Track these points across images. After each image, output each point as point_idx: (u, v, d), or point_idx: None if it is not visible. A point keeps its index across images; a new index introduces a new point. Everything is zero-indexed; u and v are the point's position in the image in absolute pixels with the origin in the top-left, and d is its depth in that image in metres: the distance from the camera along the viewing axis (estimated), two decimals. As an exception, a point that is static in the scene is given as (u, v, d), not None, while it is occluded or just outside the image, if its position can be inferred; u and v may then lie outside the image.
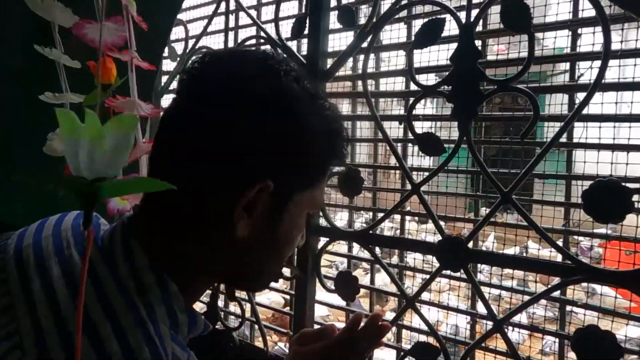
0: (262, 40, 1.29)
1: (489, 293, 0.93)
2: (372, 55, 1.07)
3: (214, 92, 0.52)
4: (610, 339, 0.74)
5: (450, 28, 0.92)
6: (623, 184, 0.74)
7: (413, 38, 0.97)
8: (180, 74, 0.59)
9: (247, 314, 1.31)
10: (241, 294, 1.33)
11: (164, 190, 0.50)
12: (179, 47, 1.51)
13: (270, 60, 0.54)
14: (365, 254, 1.08)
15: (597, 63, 0.77)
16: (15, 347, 0.45)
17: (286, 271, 1.19)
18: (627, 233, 0.79)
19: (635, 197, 0.73)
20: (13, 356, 0.45)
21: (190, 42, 1.48)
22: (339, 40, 1.14)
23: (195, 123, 0.52)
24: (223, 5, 1.40)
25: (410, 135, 0.99)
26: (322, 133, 0.55)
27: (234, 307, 1.42)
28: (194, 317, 0.54)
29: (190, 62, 0.57)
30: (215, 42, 1.43)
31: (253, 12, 1.32)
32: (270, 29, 1.24)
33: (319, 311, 2.83)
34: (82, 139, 0.33)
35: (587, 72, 0.83)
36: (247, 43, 1.31)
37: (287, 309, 1.55)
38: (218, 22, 1.42)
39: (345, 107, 1.15)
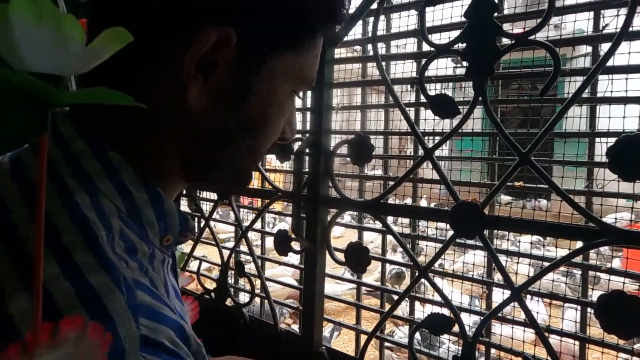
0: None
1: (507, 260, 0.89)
2: (382, 17, 1.03)
3: None
4: (638, 304, 0.69)
5: (465, -18, 0.87)
6: (652, 138, 0.68)
7: (425, -4, 0.92)
8: None
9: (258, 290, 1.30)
10: (251, 270, 1.31)
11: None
12: None
13: None
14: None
15: (624, 10, 0.72)
16: None
17: (295, 245, 1.17)
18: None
19: (665, 152, 0.68)
20: None
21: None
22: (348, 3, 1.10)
23: None
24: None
25: (422, 99, 0.95)
26: None
27: (243, 283, 1.40)
28: (158, 198, 0.41)
29: None
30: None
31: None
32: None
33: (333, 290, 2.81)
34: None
35: (613, 21, 0.77)
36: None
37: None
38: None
39: (355, 72, 1.10)
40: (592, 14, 0.78)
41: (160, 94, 0.40)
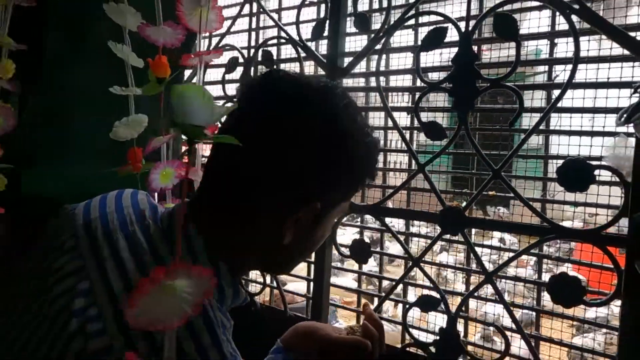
0: (283, 41, 1.47)
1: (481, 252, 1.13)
2: (383, 56, 1.26)
3: (282, 114, 0.60)
4: (576, 282, 0.95)
5: (452, 35, 1.12)
6: (587, 161, 0.94)
7: (420, 43, 1.16)
8: (245, 85, 0.71)
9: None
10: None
11: (225, 189, 0.63)
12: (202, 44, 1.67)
13: (334, 90, 0.63)
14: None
15: (569, 66, 0.98)
16: (92, 304, 0.52)
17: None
18: (591, 200, 1.01)
19: (596, 172, 0.93)
20: (91, 311, 0.52)
21: (214, 40, 1.65)
22: (354, 42, 1.33)
23: (262, 147, 0.59)
24: (247, 7, 1.57)
25: (416, 124, 1.19)
26: (366, 159, 0.66)
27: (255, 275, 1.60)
28: (238, 292, 0.64)
29: (259, 76, 0.68)
30: (238, 41, 1.59)
31: (275, 16, 1.49)
32: (290, 30, 1.41)
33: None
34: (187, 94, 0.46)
35: (562, 73, 1.04)
36: (270, 42, 1.49)
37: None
38: (241, 23, 1.59)
39: (360, 100, 1.34)
40: (547, 67, 1.04)
41: (262, 229, 0.63)
